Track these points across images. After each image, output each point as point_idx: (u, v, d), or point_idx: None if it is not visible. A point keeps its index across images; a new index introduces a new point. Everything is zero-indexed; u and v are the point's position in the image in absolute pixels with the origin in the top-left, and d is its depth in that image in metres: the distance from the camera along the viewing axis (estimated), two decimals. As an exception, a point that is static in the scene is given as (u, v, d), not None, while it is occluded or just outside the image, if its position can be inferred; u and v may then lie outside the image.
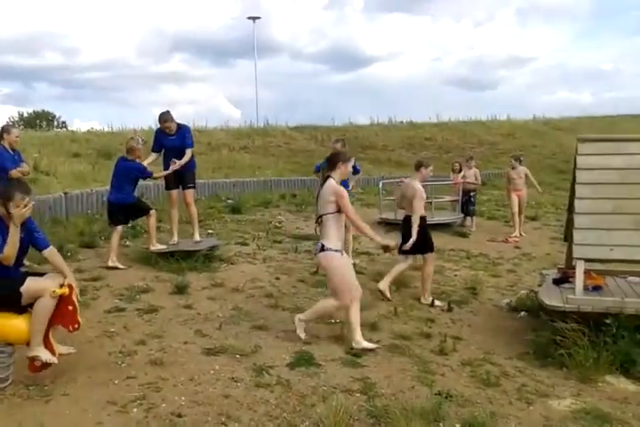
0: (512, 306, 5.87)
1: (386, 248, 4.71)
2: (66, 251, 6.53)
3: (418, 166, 6.13)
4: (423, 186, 6.09)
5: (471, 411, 3.45)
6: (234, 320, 4.87)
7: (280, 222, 9.64)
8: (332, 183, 4.49)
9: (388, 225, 9.76)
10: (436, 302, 5.82)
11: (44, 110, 39.58)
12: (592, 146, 5.14)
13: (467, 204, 10.52)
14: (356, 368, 4.04)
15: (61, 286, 3.48)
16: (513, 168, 10.05)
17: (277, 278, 6.30)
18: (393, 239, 5.28)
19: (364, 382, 3.81)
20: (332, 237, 4.40)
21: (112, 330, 4.46)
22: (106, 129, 19.47)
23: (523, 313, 5.62)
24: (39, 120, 37.29)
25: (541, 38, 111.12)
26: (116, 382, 3.59)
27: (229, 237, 8.21)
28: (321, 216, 4.47)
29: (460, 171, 10.98)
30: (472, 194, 10.54)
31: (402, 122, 24.60)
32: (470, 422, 3.27)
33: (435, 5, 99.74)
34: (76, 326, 3.52)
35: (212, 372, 3.81)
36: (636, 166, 4.88)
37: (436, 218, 10.03)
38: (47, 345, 3.50)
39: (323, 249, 4.40)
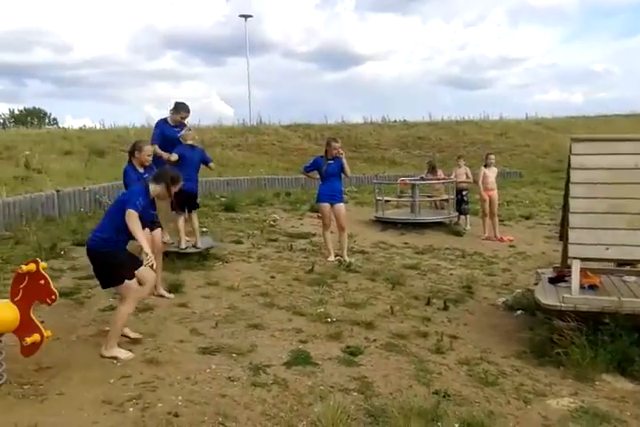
0: (508, 305, 5.87)
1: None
2: (59, 249, 6.49)
3: None
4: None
5: (469, 410, 3.44)
6: (229, 319, 4.83)
7: (274, 221, 9.61)
8: None
9: (383, 224, 9.76)
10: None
11: (35, 107, 39.41)
12: (586, 146, 5.14)
13: (460, 202, 10.52)
14: (353, 367, 4.02)
15: (26, 263, 3.42)
16: (486, 166, 9.95)
17: (272, 277, 6.27)
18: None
19: (361, 381, 3.79)
20: None
21: (106, 329, 4.40)
22: (98, 126, 19.41)
23: (519, 312, 5.62)
24: (30, 117, 37.07)
25: (532, 39, 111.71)
26: (112, 381, 3.55)
27: (223, 235, 8.17)
28: None
29: (434, 169, 11.02)
30: (464, 193, 10.52)
31: (395, 121, 24.62)
32: (469, 421, 3.26)
33: (425, 6, 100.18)
34: (53, 296, 3.45)
35: (208, 371, 3.78)
36: (629, 166, 4.89)
37: (422, 217, 10.09)
38: (31, 324, 3.42)
39: None
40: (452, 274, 7.17)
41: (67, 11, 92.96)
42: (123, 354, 3.90)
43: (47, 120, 39.17)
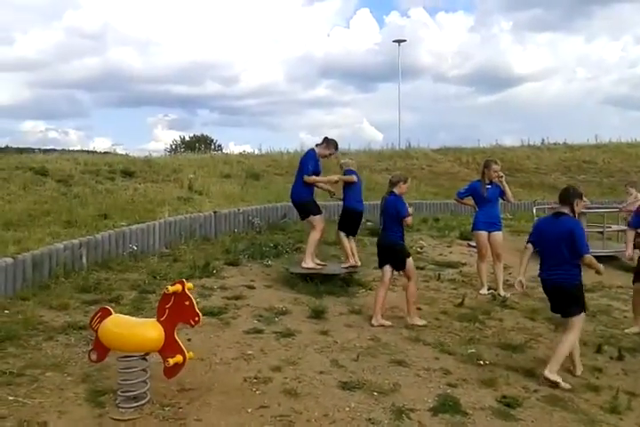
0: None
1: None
2: (212, 268, 6.72)
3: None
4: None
5: None
6: (371, 352, 4.57)
7: (422, 248, 9.21)
8: None
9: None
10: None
11: (203, 134, 42.83)
12: None
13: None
14: (509, 421, 3.54)
15: (173, 284, 3.43)
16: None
17: (419, 309, 5.89)
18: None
19: (519, 439, 3.30)
20: None
21: (249, 352, 4.38)
22: (256, 152, 20.47)
23: None
24: (198, 144, 40.48)
25: None
26: (249, 410, 3.45)
27: (368, 261, 7.94)
28: None
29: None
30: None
31: (556, 144, 22.91)
32: None
33: (590, 23, 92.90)
34: (197, 318, 3.40)
35: (347, 409, 3.54)
36: None
37: (599, 249, 8.98)
38: (174, 344, 3.43)
39: None
40: (625, 317, 6.22)
41: (232, 44, 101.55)
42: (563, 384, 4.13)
43: (212, 146, 42.46)
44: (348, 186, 6.85)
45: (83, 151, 18.21)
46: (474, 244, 8.69)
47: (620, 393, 4.06)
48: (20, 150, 16.38)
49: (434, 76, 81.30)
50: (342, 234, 6.98)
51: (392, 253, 5.66)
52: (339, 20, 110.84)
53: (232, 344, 4.53)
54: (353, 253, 6.99)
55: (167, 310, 3.44)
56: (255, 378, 3.89)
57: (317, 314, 5.36)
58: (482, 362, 4.46)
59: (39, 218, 7.50)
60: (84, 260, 6.23)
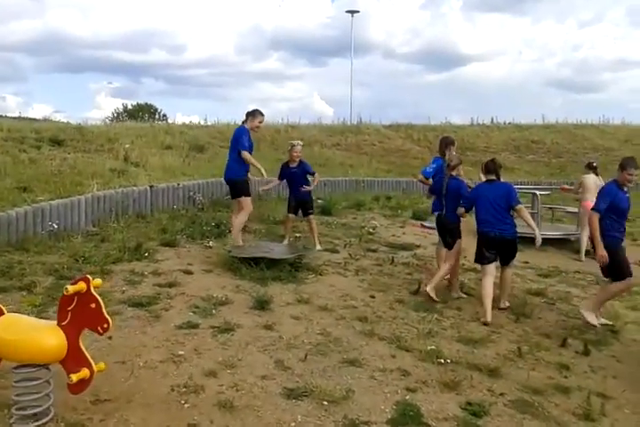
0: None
1: None
2: (144, 249, 6.03)
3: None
4: None
5: None
6: (321, 350, 4.05)
7: (374, 228, 8.75)
8: None
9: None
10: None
11: (146, 103, 40.72)
12: None
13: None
14: (477, 434, 3.11)
15: (76, 281, 2.79)
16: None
17: (372, 297, 5.43)
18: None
19: (490, 457, 2.87)
20: None
21: (180, 353, 3.78)
22: (202, 123, 19.43)
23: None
24: (141, 113, 38.59)
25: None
26: (175, 430, 2.87)
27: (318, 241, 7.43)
28: None
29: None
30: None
31: (505, 123, 22.89)
32: None
33: (536, 6, 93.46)
34: (106, 325, 2.78)
35: (292, 425, 3.02)
36: None
37: (550, 232, 8.79)
38: (79, 355, 2.81)
39: None
40: (585, 305, 5.96)
41: (181, 13, 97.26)
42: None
43: (157, 116, 40.58)
44: None
45: (18, 118, 16.82)
46: (429, 224, 8.30)
47: (591, 396, 3.71)
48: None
49: (384, 53, 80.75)
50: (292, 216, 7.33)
51: (447, 232, 5.80)
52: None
53: (161, 343, 3.92)
54: (314, 236, 7.27)
55: (70, 313, 2.78)
56: (185, 387, 3.30)
57: (261, 304, 4.80)
58: (442, 360, 4.03)
59: (-56, 190, 6.57)
60: (-6, 240, 5.41)
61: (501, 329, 4.92)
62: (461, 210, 5.63)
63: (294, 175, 7.26)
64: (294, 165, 7.23)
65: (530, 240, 8.47)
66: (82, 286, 2.72)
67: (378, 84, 72.67)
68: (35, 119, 17.17)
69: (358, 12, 26.93)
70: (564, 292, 6.24)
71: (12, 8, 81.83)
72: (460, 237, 5.79)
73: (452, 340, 4.50)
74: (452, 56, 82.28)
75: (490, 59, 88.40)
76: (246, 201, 6.48)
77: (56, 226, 6.11)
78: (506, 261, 5.50)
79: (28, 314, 4.02)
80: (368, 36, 69.81)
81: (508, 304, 5.50)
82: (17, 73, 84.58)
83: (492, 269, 5.39)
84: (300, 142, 7.52)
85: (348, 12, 26.65)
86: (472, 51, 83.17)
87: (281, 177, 7.39)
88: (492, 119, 23.11)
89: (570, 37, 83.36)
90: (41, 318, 3.88)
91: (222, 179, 7.04)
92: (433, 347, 4.22)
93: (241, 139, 6.37)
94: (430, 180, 6.25)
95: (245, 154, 6.31)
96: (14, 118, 15.58)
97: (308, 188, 7.22)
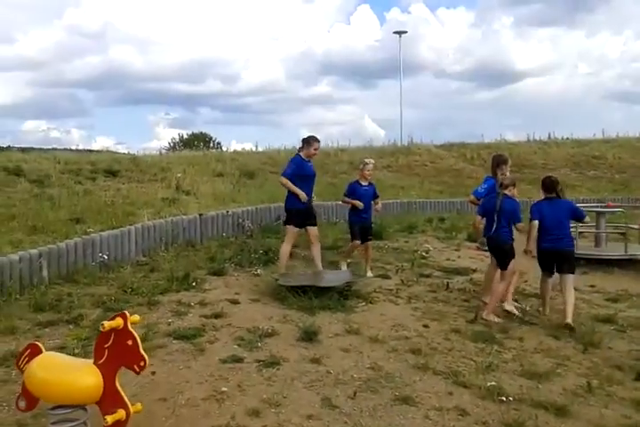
0: None
1: None
2: (192, 279, 5.97)
3: None
4: None
5: None
6: (371, 386, 3.81)
7: (427, 252, 8.45)
8: None
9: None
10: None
11: (201, 132, 41.84)
12: None
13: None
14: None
15: (113, 317, 2.68)
16: None
17: (426, 326, 5.15)
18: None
19: None
20: None
21: (223, 389, 3.62)
22: (254, 149, 19.66)
23: None
24: (196, 141, 39.59)
25: None
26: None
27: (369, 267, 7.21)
28: None
29: None
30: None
31: (564, 138, 22.10)
32: None
33: (589, 18, 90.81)
34: (142, 363, 2.64)
35: (340, 473, 2.79)
36: None
37: (609, 252, 8.26)
38: (115, 395, 2.68)
39: None
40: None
41: (233, 42, 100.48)
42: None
43: (212, 144, 41.53)
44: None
45: (76, 151, 17.54)
46: (485, 247, 7.94)
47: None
48: (22, 150, 15.78)
49: (435, 72, 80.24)
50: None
51: (502, 253, 5.67)
52: (339, 16, 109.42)
53: (204, 378, 3.78)
54: (367, 262, 7.11)
55: (106, 351, 2.68)
56: (226, 428, 3.14)
57: (308, 336, 4.61)
58: (504, 398, 3.70)
59: (2, 223, 6.77)
60: (45, 272, 5.48)
61: (567, 361, 4.52)
62: (521, 225, 5.63)
63: (366, 195, 6.96)
64: (366, 183, 7.02)
65: (596, 262, 8.04)
66: (119, 322, 2.62)
67: (429, 103, 72.37)
68: (91, 150, 17.86)
69: (406, 32, 27.08)
70: (636, 318, 5.74)
71: (75, 47, 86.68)
72: (514, 257, 5.62)
73: (515, 374, 4.16)
74: (505, 73, 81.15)
75: (544, 74, 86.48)
76: (287, 229, 6.49)
77: (106, 257, 6.16)
78: (566, 270, 5.53)
79: (74, 348, 4.03)
80: (418, 56, 69.90)
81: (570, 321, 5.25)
82: (80, 107, 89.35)
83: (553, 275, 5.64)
84: (372, 161, 7.34)
85: (395, 32, 26.84)
86: (525, 66, 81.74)
87: (353, 196, 6.93)
88: (549, 135, 22.43)
89: (627, 48, 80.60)
90: (86, 351, 3.85)
91: (270, 205, 7.03)
92: (493, 383, 3.89)
93: (286, 166, 6.43)
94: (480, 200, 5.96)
95: (282, 179, 6.31)
96: (72, 151, 16.25)
97: (378, 207, 7.08)
